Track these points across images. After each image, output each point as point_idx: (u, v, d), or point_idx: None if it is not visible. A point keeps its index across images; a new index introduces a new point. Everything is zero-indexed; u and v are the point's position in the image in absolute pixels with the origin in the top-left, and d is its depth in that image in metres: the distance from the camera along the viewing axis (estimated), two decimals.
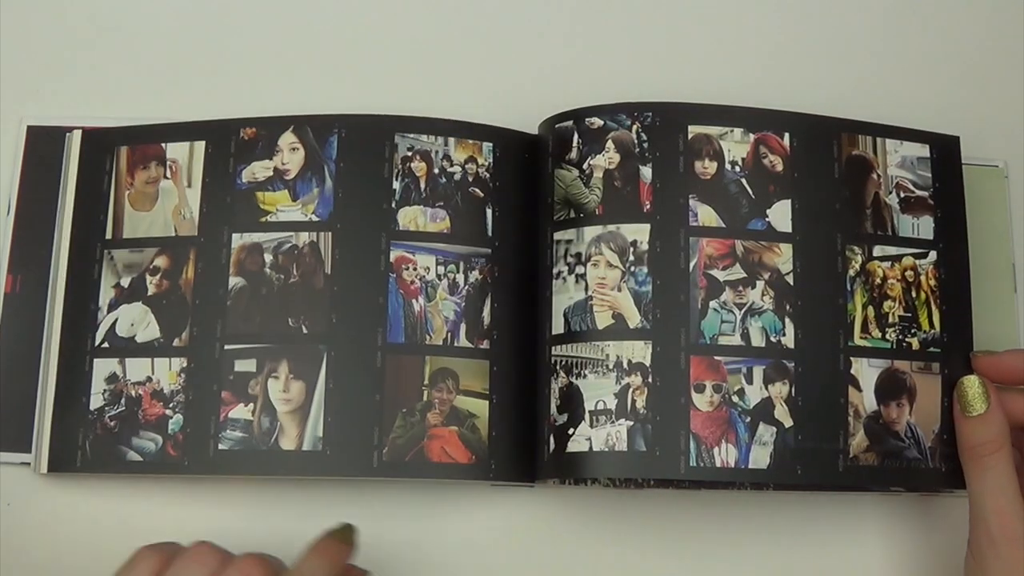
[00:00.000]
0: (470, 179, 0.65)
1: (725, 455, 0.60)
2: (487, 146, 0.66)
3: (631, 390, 0.60)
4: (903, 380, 0.63)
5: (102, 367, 0.63)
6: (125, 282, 0.64)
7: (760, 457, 0.60)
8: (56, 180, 0.67)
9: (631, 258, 0.62)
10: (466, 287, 0.64)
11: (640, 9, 0.74)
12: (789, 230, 0.63)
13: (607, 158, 0.64)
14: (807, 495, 0.66)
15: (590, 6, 0.74)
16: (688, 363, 0.61)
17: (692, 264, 0.62)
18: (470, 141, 0.66)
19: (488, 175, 0.66)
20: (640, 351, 0.61)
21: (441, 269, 0.64)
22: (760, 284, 0.62)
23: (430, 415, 0.62)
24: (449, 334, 0.63)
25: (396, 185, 0.65)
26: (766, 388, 0.61)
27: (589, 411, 0.61)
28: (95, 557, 0.63)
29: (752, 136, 0.64)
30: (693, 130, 0.64)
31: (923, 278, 0.64)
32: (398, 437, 0.62)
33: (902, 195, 0.65)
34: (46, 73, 0.70)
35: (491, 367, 0.63)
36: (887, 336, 0.63)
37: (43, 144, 0.68)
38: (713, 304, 0.62)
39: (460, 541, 0.65)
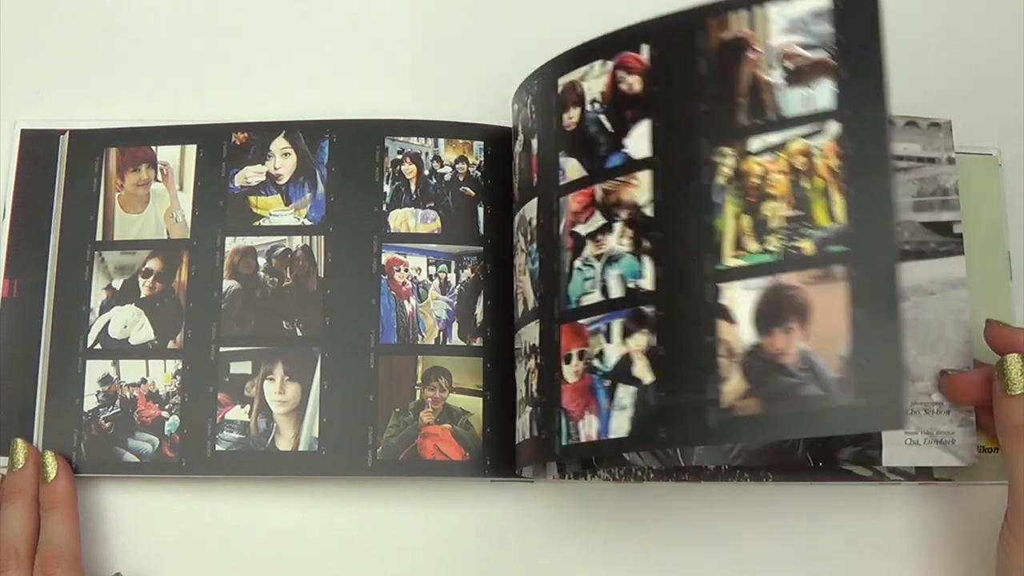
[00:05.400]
0: (461, 178, 0.66)
1: (588, 428, 0.55)
2: (478, 145, 0.66)
3: (529, 374, 0.59)
4: (790, 298, 0.51)
5: (95, 368, 0.64)
6: (117, 284, 0.65)
7: (620, 424, 0.53)
8: (51, 183, 0.66)
9: (529, 238, 0.61)
10: (458, 286, 0.64)
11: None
12: (648, 154, 0.56)
13: (520, 142, 0.63)
14: (808, 487, 0.66)
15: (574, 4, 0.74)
16: (560, 334, 0.57)
17: (561, 227, 0.58)
18: (460, 141, 0.66)
19: (479, 173, 0.66)
20: (533, 332, 0.59)
21: (432, 269, 0.64)
22: (617, 226, 0.56)
23: (423, 414, 0.63)
24: (441, 333, 0.64)
25: (387, 188, 0.65)
26: (624, 342, 0.54)
27: (517, 401, 0.61)
28: (92, 558, 0.63)
29: (611, 64, 0.58)
30: (562, 81, 0.59)
31: (818, 160, 0.52)
32: (392, 436, 0.62)
33: (788, 65, 0.54)
34: (40, 76, 0.70)
35: (485, 364, 0.64)
36: (769, 246, 0.52)
37: (37, 147, 0.67)
38: (577, 263, 0.57)
39: (459, 538, 0.65)
